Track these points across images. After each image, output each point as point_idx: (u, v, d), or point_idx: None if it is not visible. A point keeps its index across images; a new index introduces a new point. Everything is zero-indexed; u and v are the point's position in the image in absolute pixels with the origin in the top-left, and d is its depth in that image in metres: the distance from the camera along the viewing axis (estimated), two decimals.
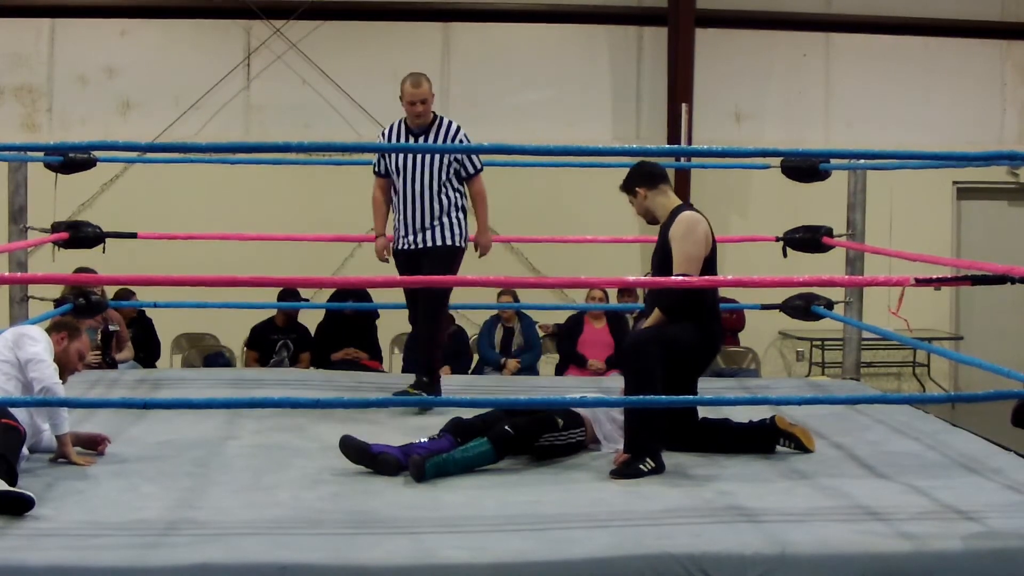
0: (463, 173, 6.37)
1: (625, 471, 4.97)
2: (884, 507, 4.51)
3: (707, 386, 6.95)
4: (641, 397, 4.89)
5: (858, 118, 11.81)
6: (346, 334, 9.42)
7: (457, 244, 6.34)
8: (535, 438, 5.14)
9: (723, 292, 9.97)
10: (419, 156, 6.23)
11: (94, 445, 5.19)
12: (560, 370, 9.53)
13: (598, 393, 6.49)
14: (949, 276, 4.80)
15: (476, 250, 6.52)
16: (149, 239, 7.90)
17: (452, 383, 7.58)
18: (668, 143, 11.18)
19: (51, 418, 4.96)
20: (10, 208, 6.84)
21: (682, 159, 9.44)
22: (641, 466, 4.97)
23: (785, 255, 7.38)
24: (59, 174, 6.62)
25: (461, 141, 6.37)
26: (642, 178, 5.42)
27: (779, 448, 5.43)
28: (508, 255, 11.21)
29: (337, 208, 10.25)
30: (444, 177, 6.28)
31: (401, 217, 6.33)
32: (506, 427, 5.05)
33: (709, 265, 5.30)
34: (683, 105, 11.16)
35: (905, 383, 12.00)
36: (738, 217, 11.40)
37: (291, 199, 10.93)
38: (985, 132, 11.87)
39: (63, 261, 7.16)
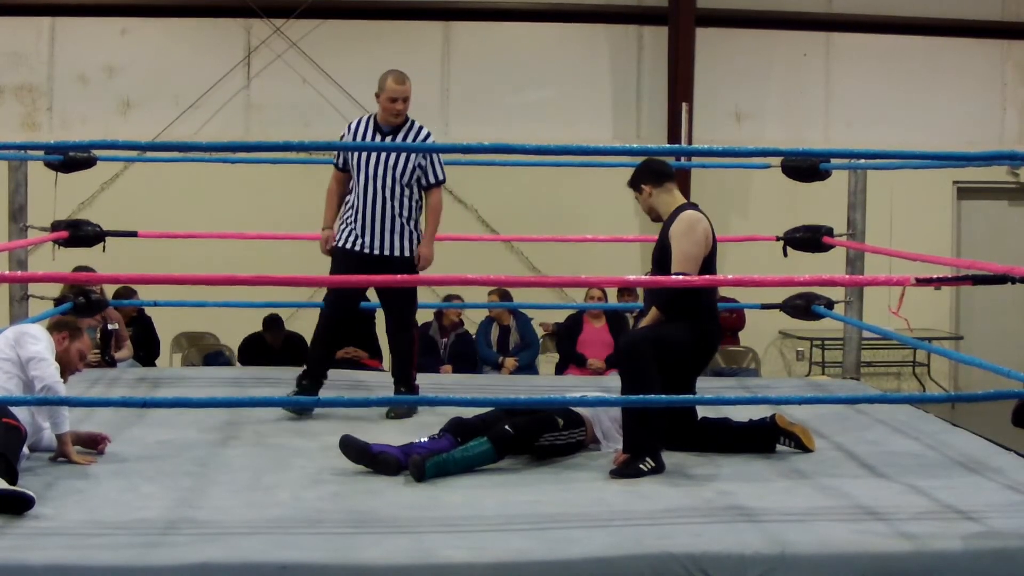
0: (424, 182, 6.18)
1: (625, 471, 4.97)
2: (884, 507, 4.51)
3: (707, 386, 6.96)
4: (640, 397, 4.89)
5: (858, 118, 11.81)
6: (346, 333, 9.39)
7: (410, 256, 6.19)
8: (535, 438, 5.14)
9: (723, 291, 10.01)
10: (387, 157, 6.06)
11: (94, 444, 5.19)
12: (560, 369, 9.54)
13: (598, 392, 6.49)
14: (949, 276, 4.80)
15: (417, 262, 6.23)
16: (149, 238, 7.89)
17: (452, 382, 7.59)
18: (668, 143, 11.18)
19: (51, 417, 4.96)
20: (10, 207, 6.84)
21: (682, 159, 9.43)
22: (641, 466, 4.98)
23: (785, 255, 7.38)
24: (59, 173, 6.62)
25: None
26: (648, 175, 5.42)
27: (779, 447, 5.44)
28: (508, 254, 11.22)
29: None
30: (407, 181, 6.11)
31: (359, 217, 6.13)
32: (506, 427, 5.06)
33: (708, 264, 5.31)
34: (683, 105, 11.16)
35: (905, 383, 12.01)
36: (738, 217, 11.40)
37: (291, 198, 10.92)
38: (985, 132, 11.87)
39: (63, 260, 7.15)
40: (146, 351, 9.08)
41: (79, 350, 5.27)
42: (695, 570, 3.89)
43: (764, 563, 3.93)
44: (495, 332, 9.67)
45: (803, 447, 5.43)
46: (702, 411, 5.61)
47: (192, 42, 11.29)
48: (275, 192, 10.89)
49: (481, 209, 11.22)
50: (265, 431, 5.71)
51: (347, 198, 6.23)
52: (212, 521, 4.25)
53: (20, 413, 4.80)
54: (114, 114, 11.15)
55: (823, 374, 10.72)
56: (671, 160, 8.96)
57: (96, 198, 10.82)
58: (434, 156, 6.19)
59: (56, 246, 6.92)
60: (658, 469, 5.01)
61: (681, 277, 5.14)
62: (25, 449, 4.85)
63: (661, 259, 5.34)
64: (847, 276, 7.03)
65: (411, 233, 6.18)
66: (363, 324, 9.53)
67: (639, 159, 5.71)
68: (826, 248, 7.24)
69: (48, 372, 4.94)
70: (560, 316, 9.93)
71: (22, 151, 6.66)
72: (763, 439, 5.44)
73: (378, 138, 6.14)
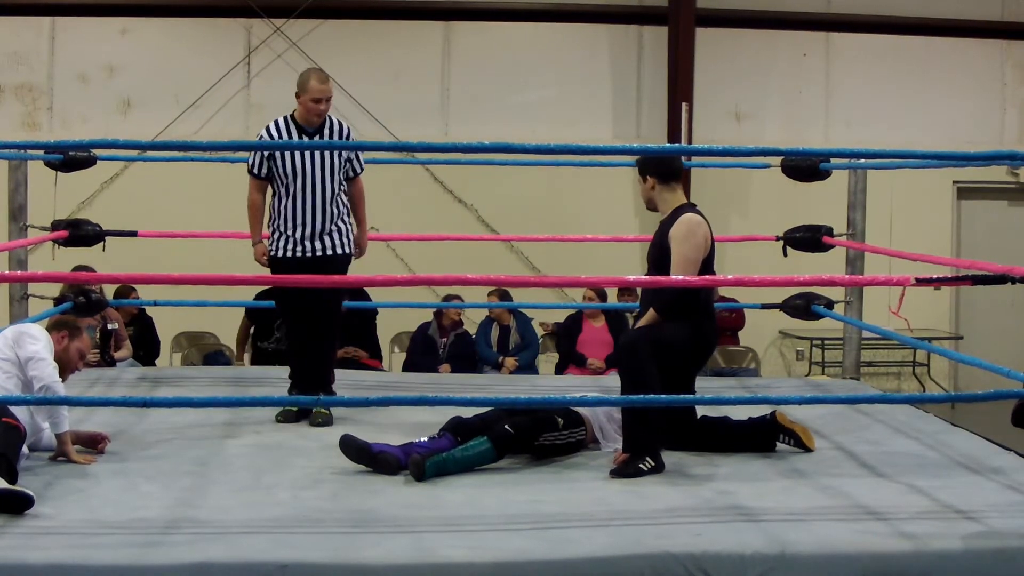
0: (351, 173, 6.12)
1: (625, 470, 4.97)
2: (884, 507, 4.51)
3: (707, 385, 6.98)
4: (640, 396, 4.89)
5: (858, 118, 11.81)
6: (346, 333, 9.40)
7: (351, 252, 6.12)
8: (535, 437, 5.14)
9: (723, 291, 10.01)
10: (319, 157, 5.94)
11: (94, 444, 5.19)
12: (560, 369, 9.54)
13: (598, 392, 6.49)
14: (949, 276, 4.81)
15: (359, 253, 6.18)
16: (149, 237, 7.89)
17: (452, 382, 7.59)
18: (668, 142, 11.16)
19: (51, 417, 4.96)
20: (10, 206, 6.84)
21: (682, 158, 9.43)
22: (641, 465, 4.98)
23: (785, 254, 7.38)
24: (59, 172, 6.62)
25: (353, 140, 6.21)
26: (658, 167, 5.40)
27: (779, 446, 5.44)
28: (508, 254, 11.22)
29: None
30: (340, 178, 6.02)
31: (295, 222, 5.96)
32: (506, 426, 5.06)
33: (706, 265, 5.31)
34: (683, 104, 11.16)
35: (905, 383, 12.01)
36: (738, 217, 11.40)
37: None
38: (985, 132, 11.87)
39: (63, 259, 7.15)
40: (146, 351, 9.08)
41: (79, 349, 5.27)
42: (695, 570, 3.89)
43: (764, 563, 3.93)
44: (495, 332, 9.67)
45: (803, 446, 5.43)
46: (701, 410, 5.62)
47: (192, 42, 11.29)
48: None
49: (481, 209, 11.22)
50: (265, 431, 5.71)
51: (274, 206, 6.03)
52: (212, 521, 4.25)
53: (19, 413, 4.80)
54: (114, 114, 11.15)
55: (823, 374, 10.72)
56: None
57: (96, 198, 10.82)
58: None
59: (56, 245, 6.93)
60: (658, 469, 5.01)
61: (680, 278, 5.14)
62: (25, 448, 4.85)
63: (658, 259, 5.34)
64: (847, 276, 7.03)
65: (346, 229, 6.09)
66: (363, 324, 9.55)
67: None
68: (826, 248, 7.24)
69: (46, 372, 4.94)
70: (560, 316, 9.93)
71: (22, 150, 6.66)
72: (763, 436, 5.44)
73: (304, 139, 5.99)
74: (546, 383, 7.64)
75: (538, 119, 11.35)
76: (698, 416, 5.56)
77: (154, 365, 9.12)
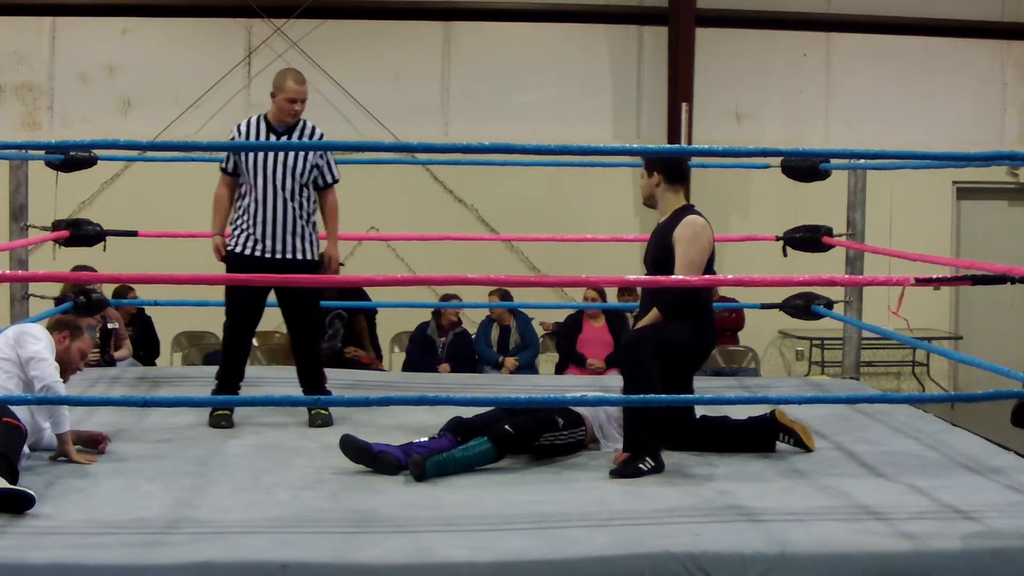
0: (321, 182, 6.02)
1: (625, 470, 4.98)
2: (884, 507, 4.51)
3: (707, 385, 6.98)
4: (640, 396, 4.89)
5: (858, 118, 11.82)
6: (346, 333, 9.41)
7: (317, 259, 6.06)
8: (535, 437, 5.14)
9: (723, 291, 10.02)
10: (284, 157, 5.89)
11: (94, 444, 5.19)
12: (560, 369, 9.55)
13: (598, 392, 6.49)
14: (949, 276, 4.81)
15: (328, 264, 6.08)
16: (149, 237, 7.89)
17: (451, 382, 7.59)
18: (668, 142, 11.18)
19: (51, 417, 4.96)
20: (11, 206, 6.84)
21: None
22: (641, 465, 4.98)
23: (785, 254, 7.39)
24: (60, 172, 6.62)
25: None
26: (667, 167, 5.37)
27: (779, 446, 5.44)
28: (508, 254, 11.23)
29: None
30: (305, 181, 5.94)
31: (257, 221, 5.92)
32: (506, 426, 5.06)
33: (707, 267, 5.31)
34: (683, 104, 11.16)
35: (905, 383, 12.01)
36: (738, 217, 11.40)
37: None
38: (985, 132, 11.88)
39: (63, 259, 7.16)
40: (146, 350, 9.09)
41: (80, 349, 5.27)
42: (695, 569, 3.89)
43: (764, 563, 3.93)
44: (495, 332, 9.67)
45: (803, 445, 5.43)
46: (701, 410, 5.62)
47: (192, 42, 11.29)
48: None
49: (481, 209, 11.22)
50: (265, 431, 5.72)
51: (238, 203, 6.02)
52: (212, 520, 4.26)
53: (20, 412, 4.80)
54: (115, 113, 11.16)
55: (823, 374, 10.72)
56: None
57: (96, 197, 10.83)
58: (329, 156, 6.04)
59: (56, 245, 6.93)
60: (658, 468, 5.01)
61: (682, 278, 5.15)
62: (25, 448, 4.85)
63: (659, 260, 5.33)
64: (847, 276, 7.03)
65: (311, 235, 6.01)
66: (363, 324, 9.55)
67: (639, 159, 5.71)
68: (826, 248, 7.24)
69: (47, 372, 4.94)
70: (560, 316, 9.93)
71: (23, 150, 6.66)
72: (763, 435, 5.44)
73: (272, 138, 5.97)
74: (546, 383, 7.64)
75: (538, 119, 11.35)
76: (698, 416, 5.56)
77: (154, 365, 9.12)
